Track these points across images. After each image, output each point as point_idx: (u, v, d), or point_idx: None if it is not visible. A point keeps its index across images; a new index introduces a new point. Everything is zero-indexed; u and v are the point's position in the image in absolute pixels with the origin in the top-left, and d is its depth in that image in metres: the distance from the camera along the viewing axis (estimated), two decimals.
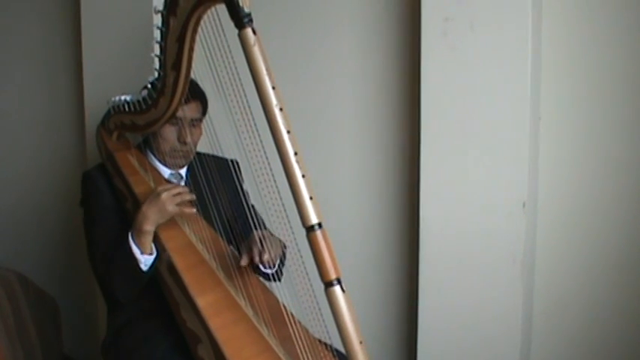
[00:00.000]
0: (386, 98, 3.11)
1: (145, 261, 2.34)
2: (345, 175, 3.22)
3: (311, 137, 3.13)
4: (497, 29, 2.75)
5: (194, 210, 2.38)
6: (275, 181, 2.13)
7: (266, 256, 2.31)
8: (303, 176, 1.87)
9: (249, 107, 2.08)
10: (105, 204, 2.53)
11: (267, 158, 2.11)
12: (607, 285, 2.94)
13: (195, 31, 2.13)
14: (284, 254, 2.49)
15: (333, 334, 2.02)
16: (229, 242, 2.54)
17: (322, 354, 2.27)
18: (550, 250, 2.99)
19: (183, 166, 2.65)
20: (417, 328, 2.97)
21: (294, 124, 1.88)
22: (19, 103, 3.79)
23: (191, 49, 2.18)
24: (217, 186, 2.51)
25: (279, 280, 2.42)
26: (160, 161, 2.62)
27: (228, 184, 2.57)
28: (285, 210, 2.29)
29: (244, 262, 2.36)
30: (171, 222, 2.43)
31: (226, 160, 2.61)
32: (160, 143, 2.57)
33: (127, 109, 2.52)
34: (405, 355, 3.21)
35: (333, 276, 1.87)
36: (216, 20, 2.08)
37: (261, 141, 2.10)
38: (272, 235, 2.42)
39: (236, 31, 1.88)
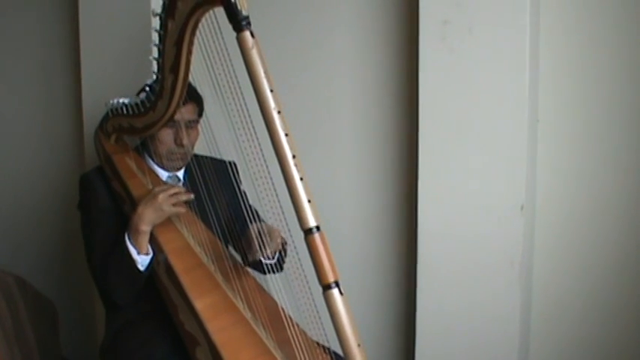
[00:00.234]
0: (384, 101, 3.12)
1: (142, 261, 2.35)
2: (343, 177, 3.22)
3: (309, 140, 3.14)
4: (495, 32, 2.75)
5: (185, 209, 2.37)
6: (273, 183, 2.13)
7: (266, 251, 2.32)
8: (301, 179, 1.87)
9: (247, 110, 2.08)
10: (103, 207, 2.54)
11: (265, 161, 2.11)
12: (605, 288, 2.94)
13: (193, 34, 2.13)
14: (285, 242, 2.49)
15: (331, 337, 2.02)
16: (227, 244, 2.55)
17: (320, 357, 2.27)
18: (548, 253, 2.99)
19: (180, 168, 2.65)
20: (415, 331, 2.97)
21: (292, 126, 1.88)
22: (17, 105, 3.79)
23: (189, 52, 2.18)
24: (215, 188, 2.51)
25: (281, 269, 2.43)
26: (158, 164, 2.63)
27: (226, 186, 2.57)
28: (283, 213, 2.29)
29: (250, 258, 2.37)
30: (169, 224, 2.44)
31: (224, 162, 2.61)
32: (157, 146, 2.57)
33: (125, 112, 2.52)
34: (403, 358, 3.21)
35: (331, 279, 1.87)
36: (214, 23, 2.08)
37: (259, 144, 2.10)
38: (269, 225, 2.41)
39: (234, 33, 1.89)
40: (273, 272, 2.40)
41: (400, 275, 3.16)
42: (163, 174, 2.63)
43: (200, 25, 2.11)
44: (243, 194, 2.56)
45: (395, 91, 3.09)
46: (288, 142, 1.87)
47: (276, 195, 2.19)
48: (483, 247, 2.84)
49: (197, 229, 2.49)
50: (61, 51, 3.63)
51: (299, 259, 2.17)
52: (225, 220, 2.56)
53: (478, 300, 2.87)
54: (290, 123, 1.89)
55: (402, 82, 3.07)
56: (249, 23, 1.87)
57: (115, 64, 3.21)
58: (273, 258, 2.40)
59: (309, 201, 1.88)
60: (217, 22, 2.06)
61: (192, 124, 2.56)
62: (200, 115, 2.58)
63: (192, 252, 2.43)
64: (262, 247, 2.32)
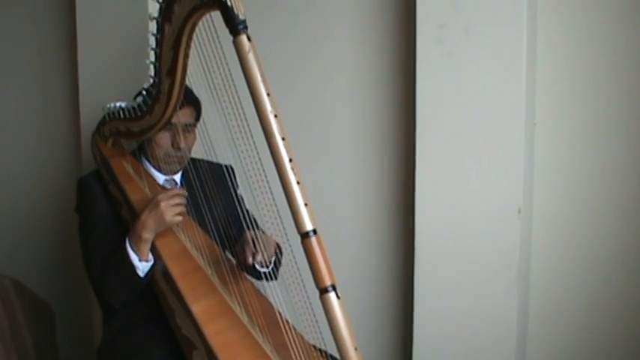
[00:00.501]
0: (381, 104, 3.12)
1: (143, 268, 2.34)
2: (341, 180, 3.22)
3: (306, 143, 3.14)
4: (492, 35, 2.76)
5: (181, 218, 2.37)
6: (270, 187, 2.13)
7: (259, 257, 2.32)
8: (298, 183, 1.88)
9: (244, 114, 2.08)
10: (100, 210, 2.53)
11: (261, 165, 2.11)
12: (602, 291, 2.94)
13: (190, 37, 2.13)
14: (280, 253, 2.50)
15: (328, 341, 2.02)
16: (224, 248, 2.55)
17: None
18: (545, 256, 2.99)
19: (177, 172, 2.65)
20: (412, 334, 2.97)
21: (289, 130, 1.89)
22: (14, 109, 3.78)
23: (186, 56, 2.18)
24: (212, 191, 2.51)
25: (275, 278, 2.42)
26: (155, 167, 2.62)
27: (222, 190, 2.57)
28: (279, 216, 2.29)
29: (243, 261, 2.37)
30: (166, 229, 2.43)
31: (221, 165, 2.61)
32: (154, 149, 2.57)
33: (122, 115, 2.52)
34: None
35: (328, 282, 1.87)
36: (211, 27, 2.08)
37: (256, 147, 2.10)
38: (265, 234, 2.42)
39: (231, 37, 1.89)
40: (267, 280, 2.40)
41: (397, 278, 3.16)
42: (160, 177, 2.63)
43: (197, 29, 2.12)
44: (240, 198, 2.57)
45: (392, 94, 3.09)
46: (285, 146, 1.87)
47: (273, 199, 2.19)
48: (481, 250, 2.84)
49: (194, 233, 2.48)
50: (58, 54, 3.63)
51: (296, 263, 2.17)
52: (221, 224, 2.56)
53: (475, 303, 2.87)
54: (287, 126, 1.89)
55: (399, 85, 3.07)
56: (245, 27, 1.88)
57: (112, 68, 3.21)
58: (268, 266, 2.40)
59: (305, 205, 1.88)
60: (214, 26, 2.06)
61: (189, 128, 2.56)
62: (197, 118, 2.58)
63: (189, 256, 2.42)
64: (255, 253, 2.32)
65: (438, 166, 2.87)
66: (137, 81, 2.55)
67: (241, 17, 1.87)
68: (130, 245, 2.33)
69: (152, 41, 2.25)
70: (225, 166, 2.60)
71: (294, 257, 2.19)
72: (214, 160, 2.57)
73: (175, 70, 2.20)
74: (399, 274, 3.15)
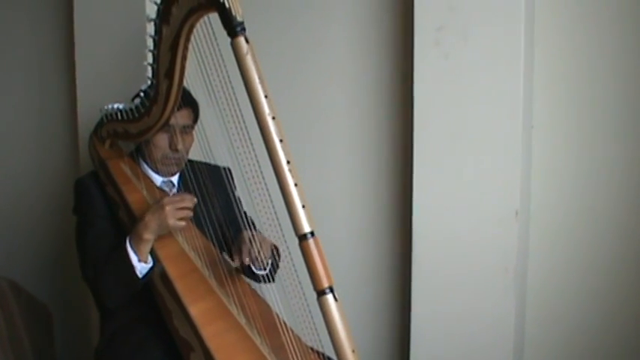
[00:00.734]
0: (379, 107, 3.12)
1: (141, 269, 2.33)
2: (338, 182, 3.22)
3: (304, 145, 3.14)
4: (490, 38, 2.76)
5: (185, 224, 2.37)
6: (267, 189, 2.13)
7: (254, 255, 2.32)
8: (296, 185, 1.88)
9: (241, 115, 2.08)
10: (97, 211, 2.53)
11: (259, 167, 2.11)
12: (599, 294, 2.94)
13: (188, 39, 2.13)
14: (278, 256, 2.50)
15: (325, 343, 2.02)
16: (222, 250, 2.55)
17: None
18: (542, 259, 2.99)
19: (175, 174, 2.65)
20: (409, 336, 2.97)
21: (286, 131, 1.89)
22: (11, 110, 3.78)
23: (184, 58, 2.18)
24: (209, 193, 2.51)
25: (272, 280, 2.42)
26: (152, 169, 2.62)
27: (220, 192, 2.57)
28: (277, 218, 2.29)
29: (236, 263, 2.36)
30: (169, 232, 2.43)
31: (218, 167, 2.61)
32: (152, 151, 2.57)
33: (119, 117, 2.52)
34: None
35: (325, 285, 1.87)
36: (208, 29, 2.08)
37: (253, 149, 2.10)
38: (262, 235, 2.42)
39: (229, 39, 1.89)
40: (265, 282, 2.40)
41: (395, 281, 3.16)
42: (158, 179, 2.63)
43: (195, 31, 2.12)
44: (238, 200, 2.56)
45: (390, 96, 3.09)
46: (283, 148, 1.87)
47: (271, 200, 2.19)
48: (478, 253, 2.84)
49: (191, 235, 2.48)
50: (55, 56, 3.63)
51: (293, 265, 2.17)
52: (219, 226, 2.56)
53: (473, 306, 2.87)
54: (284, 128, 1.89)
55: (397, 87, 3.07)
56: (243, 29, 1.88)
57: (109, 70, 3.21)
58: (265, 268, 2.40)
59: (303, 206, 1.88)
60: (212, 28, 2.06)
61: (187, 130, 2.56)
62: (195, 120, 2.58)
63: (186, 257, 2.42)
64: (251, 251, 2.32)
65: (435, 169, 2.87)
66: (135, 82, 2.55)
67: (239, 19, 1.87)
68: (131, 245, 2.33)
69: (150, 43, 2.25)
70: (223, 168, 2.60)
71: (291, 259, 2.19)
72: (212, 162, 2.57)
73: (173, 72, 2.20)
74: (397, 276, 3.15)
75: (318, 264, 1.87)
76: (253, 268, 2.38)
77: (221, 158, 2.51)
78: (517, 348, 2.91)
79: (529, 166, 2.93)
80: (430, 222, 2.90)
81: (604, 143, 2.90)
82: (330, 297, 1.87)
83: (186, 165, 2.59)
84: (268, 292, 2.35)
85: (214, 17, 1.95)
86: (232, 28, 1.87)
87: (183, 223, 2.33)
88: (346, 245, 3.21)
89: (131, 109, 2.46)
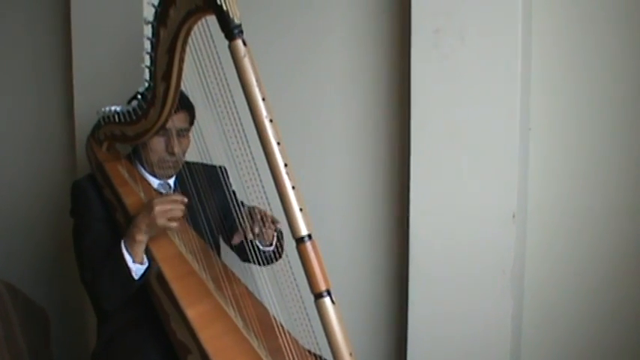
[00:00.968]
0: (376, 109, 3.12)
1: (137, 270, 2.34)
2: (335, 185, 3.22)
3: (301, 148, 3.14)
4: (487, 41, 2.76)
5: (177, 225, 2.36)
6: (265, 192, 2.13)
7: (257, 229, 2.33)
8: (293, 187, 1.88)
9: (239, 118, 2.08)
10: (95, 214, 2.53)
11: (257, 169, 2.11)
12: (596, 296, 2.94)
13: (185, 42, 2.13)
14: (281, 234, 2.52)
15: (323, 346, 2.02)
16: (219, 252, 2.55)
17: None
18: (540, 261, 2.99)
19: (171, 177, 2.65)
20: (406, 338, 2.97)
21: (284, 134, 1.89)
22: (8, 112, 3.78)
23: (181, 60, 2.18)
24: (206, 194, 2.51)
25: (280, 256, 2.47)
26: (149, 172, 2.62)
27: (217, 191, 2.57)
28: (278, 222, 2.30)
29: (237, 240, 2.37)
30: (161, 232, 2.43)
31: (215, 167, 2.61)
32: (149, 154, 2.57)
33: (117, 119, 2.52)
34: None
35: (323, 287, 1.87)
36: (206, 31, 2.08)
37: (251, 152, 2.10)
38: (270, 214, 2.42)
39: (226, 41, 1.89)
40: (272, 261, 2.43)
41: (392, 284, 3.16)
42: (154, 181, 2.63)
43: (192, 33, 2.12)
44: (233, 194, 2.57)
45: (387, 98, 3.09)
46: (280, 151, 1.87)
47: (268, 203, 2.19)
48: (475, 255, 2.84)
49: (188, 237, 2.48)
50: (52, 58, 3.63)
51: (291, 268, 2.17)
52: (216, 228, 2.56)
53: (470, 308, 2.87)
54: (282, 131, 1.89)
55: (394, 89, 3.07)
56: (241, 32, 1.88)
57: (106, 72, 3.21)
58: (272, 244, 2.43)
59: (300, 209, 1.88)
60: (209, 30, 2.06)
61: (183, 133, 2.56)
62: (192, 123, 2.58)
63: (183, 260, 2.42)
64: (255, 227, 2.34)
65: (432, 171, 2.87)
66: (132, 85, 2.54)
67: (237, 22, 1.87)
68: (125, 246, 2.33)
69: (147, 45, 2.24)
70: (219, 167, 2.60)
71: (289, 262, 2.19)
72: (208, 162, 2.56)
73: (170, 75, 2.20)
74: (394, 278, 3.15)
75: (315, 267, 1.87)
76: (259, 243, 2.39)
77: (218, 161, 2.51)
78: (514, 350, 2.91)
79: (526, 168, 2.93)
80: (427, 224, 2.90)
81: (601, 145, 2.90)
82: (327, 300, 1.87)
83: (183, 167, 2.59)
84: (266, 294, 2.35)
85: (212, 20, 1.95)
86: (230, 30, 1.87)
87: (174, 223, 2.33)
88: (343, 248, 3.21)
89: (128, 112, 2.46)
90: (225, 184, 2.55)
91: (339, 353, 1.88)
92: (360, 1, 3.10)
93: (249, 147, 2.10)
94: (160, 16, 2.13)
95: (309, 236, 1.88)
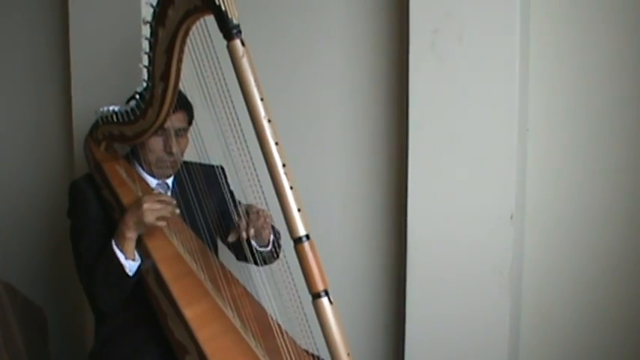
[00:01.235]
0: (374, 110, 3.12)
1: (130, 266, 2.35)
2: (334, 185, 3.22)
3: (299, 148, 3.13)
4: (485, 41, 2.76)
5: (165, 224, 2.37)
6: (263, 192, 2.14)
7: (252, 232, 2.34)
8: (291, 188, 1.88)
9: (237, 118, 2.08)
10: (92, 214, 2.53)
11: (255, 170, 2.11)
12: (594, 297, 2.94)
13: (183, 42, 2.13)
14: (278, 234, 2.54)
15: (320, 346, 2.02)
16: (217, 252, 2.55)
17: None
18: (537, 263, 2.99)
19: (170, 176, 2.65)
20: (404, 339, 2.97)
21: (282, 134, 1.89)
22: (6, 113, 3.78)
23: (179, 60, 2.18)
24: (204, 194, 2.51)
25: (277, 256, 2.47)
26: (147, 172, 2.62)
27: (215, 191, 2.57)
28: (273, 221, 2.29)
29: (233, 237, 2.37)
30: (159, 233, 2.43)
31: (212, 166, 2.61)
32: (147, 154, 2.56)
33: (115, 119, 2.52)
34: None
35: (320, 287, 1.88)
36: (204, 31, 2.08)
37: (249, 152, 2.10)
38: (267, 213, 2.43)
39: (225, 41, 1.89)
40: (268, 261, 2.43)
41: (390, 284, 3.16)
42: (153, 181, 2.63)
43: (190, 33, 2.12)
44: (231, 194, 2.57)
45: (385, 100, 3.09)
46: (279, 151, 1.88)
47: (266, 204, 2.19)
48: (473, 257, 2.84)
49: (186, 237, 2.48)
50: (51, 58, 3.62)
51: (288, 268, 2.17)
52: (214, 228, 2.56)
53: (467, 309, 2.86)
54: (280, 131, 1.89)
55: (392, 91, 3.07)
56: (239, 32, 1.88)
57: (105, 72, 3.20)
58: (267, 245, 2.44)
59: (299, 210, 1.88)
60: (208, 30, 2.06)
61: (181, 133, 2.56)
62: (190, 123, 2.58)
63: (181, 260, 2.42)
64: (248, 227, 2.34)
65: (430, 172, 2.87)
66: (130, 85, 2.54)
67: (235, 22, 1.87)
68: (116, 244, 2.34)
69: (145, 45, 2.24)
70: (217, 167, 2.60)
71: (287, 262, 2.19)
72: (206, 162, 2.56)
73: (169, 75, 2.20)
74: (392, 279, 3.15)
75: (313, 267, 1.88)
76: (255, 243, 2.39)
77: (217, 161, 2.51)
78: (512, 351, 2.91)
79: (524, 169, 2.93)
80: (425, 225, 2.89)
81: (599, 146, 2.91)
82: (325, 300, 1.88)
83: (181, 167, 2.59)
84: (263, 294, 2.35)
85: (210, 20, 1.95)
86: (228, 30, 1.87)
87: (162, 222, 2.34)
88: (341, 248, 3.21)
89: (126, 112, 2.45)
90: (223, 184, 2.55)
91: (337, 353, 1.88)
92: (359, 2, 3.10)
93: (247, 147, 2.10)
94: (159, 16, 2.13)
95: (307, 236, 1.88)
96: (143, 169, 2.63)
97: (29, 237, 3.78)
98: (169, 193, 2.62)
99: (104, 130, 2.62)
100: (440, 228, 2.88)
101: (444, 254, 2.88)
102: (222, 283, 2.36)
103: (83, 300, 2.93)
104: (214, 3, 1.88)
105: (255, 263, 2.42)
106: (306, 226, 1.88)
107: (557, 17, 2.91)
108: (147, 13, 2.22)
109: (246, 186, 2.20)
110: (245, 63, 1.87)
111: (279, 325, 2.27)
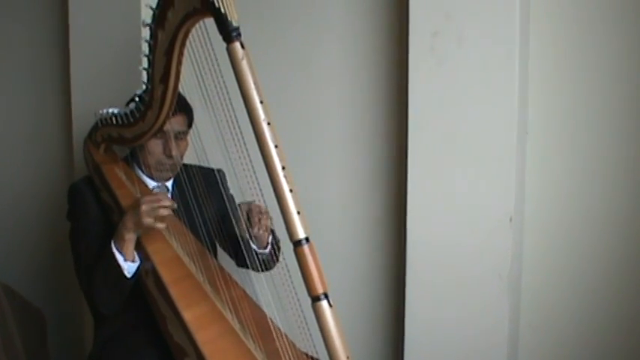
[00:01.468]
0: (374, 112, 3.12)
1: (129, 268, 2.34)
2: (333, 188, 3.22)
3: (299, 150, 3.13)
4: (484, 44, 2.76)
5: (164, 226, 2.36)
6: (262, 195, 2.14)
7: (255, 230, 2.34)
8: (291, 191, 1.88)
9: (237, 121, 2.08)
10: (91, 217, 2.53)
11: (254, 172, 2.11)
12: (594, 300, 2.94)
13: (183, 44, 2.13)
14: (276, 239, 2.53)
15: (320, 349, 2.02)
16: (216, 255, 2.55)
17: None
18: (536, 266, 2.99)
19: (169, 179, 2.64)
20: (403, 342, 2.97)
21: (281, 137, 1.89)
22: (6, 114, 3.78)
23: (179, 63, 2.18)
24: (204, 197, 2.51)
25: (276, 261, 2.47)
26: (147, 174, 2.62)
27: (214, 194, 2.57)
28: (272, 224, 2.29)
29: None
30: (158, 235, 2.43)
31: (212, 170, 2.61)
32: (146, 156, 2.56)
33: (114, 122, 2.51)
34: None
35: (320, 290, 1.88)
36: (204, 33, 2.08)
37: (248, 155, 2.10)
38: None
39: (224, 44, 1.89)
40: (267, 266, 2.44)
41: (389, 287, 3.16)
42: (152, 184, 2.62)
43: (190, 36, 2.12)
44: (231, 198, 2.57)
45: (384, 102, 3.09)
46: (278, 154, 1.88)
47: (266, 206, 2.19)
48: (472, 259, 2.84)
49: (186, 240, 2.48)
50: (50, 60, 3.62)
51: (288, 270, 2.17)
52: (214, 230, 2.56)
53: (466, 312, 2.86)
54: (280, 134, 1.89)
55: (392, 93, 3.07)
56: (239, 34, 1.88)
57: (104, 74, 3.20)
58: (266, 248, 2.44)
59: (298, 212, 1.88)
60: (207, 33, 2.06)
61: (181, 135, 2.55)
62: (189, 126, 2.58)
63: (181, 263, 2.42)
64: (249, 228, 2.35)
65: (430, 175, 2.87)
66: (130, 87, 2.54)
67: (235, 24, 1.87)
68: (115, 245, 2.34)
69: (145, 47, 2.24)
70: (217, 170, 2.60)
71: (286, 265, 2.19)
72: (206, 165, 2.56)
73: (168, 77, 2.20)
74: (391, 282, 3.15)
75: (312, 270, 1.88)
76: (253, 245, 2.39)
77: (216, 164, 2.51)
78: (511, 353, 2.91)
79: (523, 172, 2.93)
80: (424, 228, 2.89)
81: (598, 149, 2.91)
82: (324, 303, 1.88)
83: (180, 170, 2.59)
84: (263, 297, 2.35)
85: (210, 22, 1.95)
86: (228, 33, 1.87)
87: (161, 224, 2.33)
88: (341, 249, 3.20)
89: (126, 114, 2.45)
90: (223, 187, 2.55)
91: (337, 356, 1.88)
92: (358, 3, 3.10)
93: (246, 150, 2.10)
94: (158, 19, 2.13)
95: (307, 239, 1.88)
96: (142, 171, 2.62)
97: (28, 239, 3.78)
98: (169, 196, 2.62)
99: (103, 132, 2.62)
100: (439, 230, 2.88)
101: (443, 257, 2.88)
102: (221, 285, 2.36)
103: (82, 302, 2.94)
104: (214, 5, 1.88)
105: (254, 269, 2.42)
106: (305, 228, 1.88)
107: (556, 18, 2.91)
108: (146, 15, 2.22)
109: (245, 189, 2.20)
110: (245, 65, 1.87)
111: (278, 327, 2.27)
